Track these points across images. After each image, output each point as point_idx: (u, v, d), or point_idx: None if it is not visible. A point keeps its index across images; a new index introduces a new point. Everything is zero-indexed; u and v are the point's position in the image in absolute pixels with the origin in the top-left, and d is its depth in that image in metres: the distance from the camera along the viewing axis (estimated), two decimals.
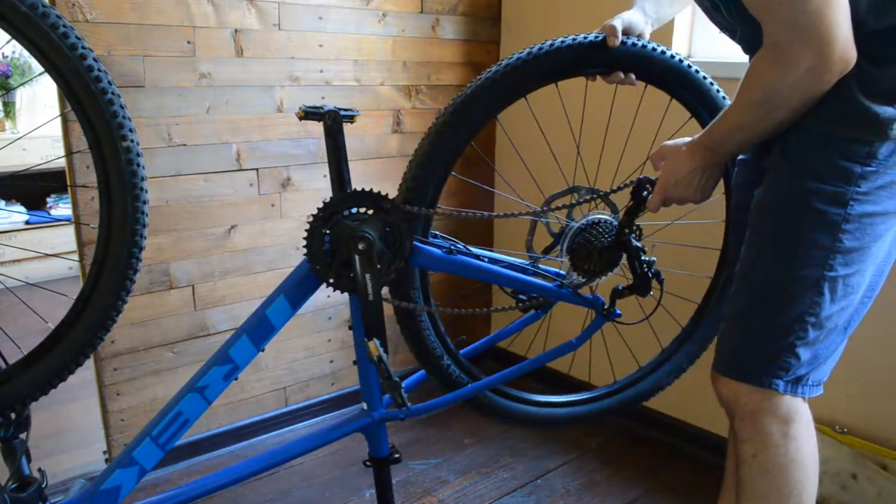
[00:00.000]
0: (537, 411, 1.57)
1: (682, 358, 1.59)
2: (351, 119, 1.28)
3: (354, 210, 1.28)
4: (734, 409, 1.21)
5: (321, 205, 1.27)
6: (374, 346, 1.24)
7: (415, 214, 1.30)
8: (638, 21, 1.33)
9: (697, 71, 1.38)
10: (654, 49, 1.32)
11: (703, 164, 1.22)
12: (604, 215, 1.38)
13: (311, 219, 1.27)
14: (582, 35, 1.29)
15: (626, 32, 1.30)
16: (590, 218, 1.37)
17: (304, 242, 1.28)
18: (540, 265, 1.42)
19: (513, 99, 1.31)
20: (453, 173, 1.34)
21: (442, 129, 1.30)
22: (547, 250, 1.42)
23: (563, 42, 1.28)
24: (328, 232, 1.27)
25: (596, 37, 1.29)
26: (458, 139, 1.31)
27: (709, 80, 1.40)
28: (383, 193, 1.29)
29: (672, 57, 1.35)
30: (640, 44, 1.31)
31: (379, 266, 1.26)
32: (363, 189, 1.28)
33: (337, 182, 1.29)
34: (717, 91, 1.41)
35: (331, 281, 1.29)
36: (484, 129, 1.33)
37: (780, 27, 1.02)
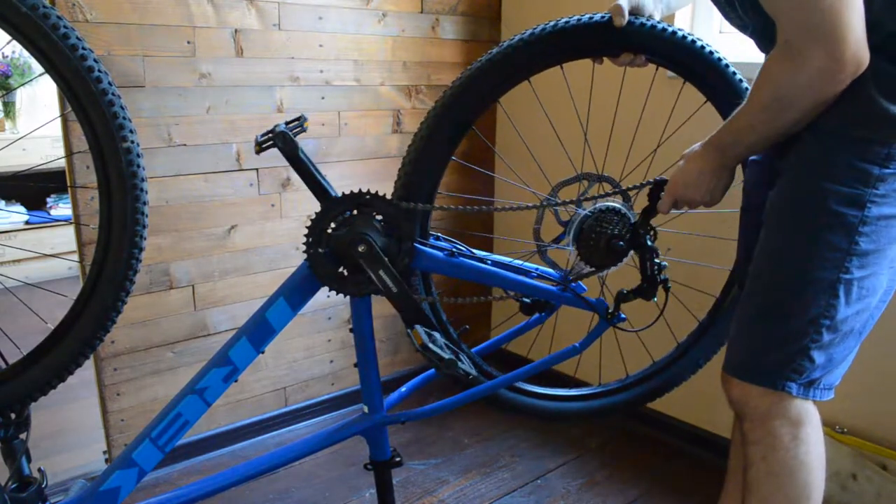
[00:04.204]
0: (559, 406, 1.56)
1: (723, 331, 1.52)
2: (302, 127, 1.25)
3: (345, 215, 1.26)
4: (744, 410, 1.20)
5: (308, 226, 1.25)
6: (417, 333, 1.21)
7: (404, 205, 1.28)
8: (646, 2, 1.29)
9: (712, 52, 1.33)
10: (664, 29, 1.27)
11: (712, 165, 1.21)
12: (614, 203, 1.34)
13: (305, 243, 1.25)
14: (588, 14, 1.25)
15: (635, 13, 1.26)
16: (599, 206, 1.34)
17: (311, 264, 1.26)
18: (543, 268, 1.41)
19: (515, 81, 1.28)
20: (453, 158, 1.31)
21: (441, 113, 1.28)
22: (556, 240, 1.39)
23: (567, 21, 1.24)
24: (327, 251, 1.25)
25: (602, 16, 1.25)
26: (457, 124, 1.28)
27: (724, 61, 1.34)
28: (358, 191, 1.25)
29: (684, 37, 1.30)
30: (648, 23, 1.26)
31: (388, 257, 1.24)
32: (342, 194, 1.25)
33: (319, 194, 1.26)
34: (734, 73, 1.35)
35: (358, 290, 1.27)
36: (484, 114, 1.29)
37: (792, 26, 1.01)
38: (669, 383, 1.58)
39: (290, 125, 1.26)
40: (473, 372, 1.25)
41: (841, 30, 0.98)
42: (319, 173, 1.26)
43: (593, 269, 1.35)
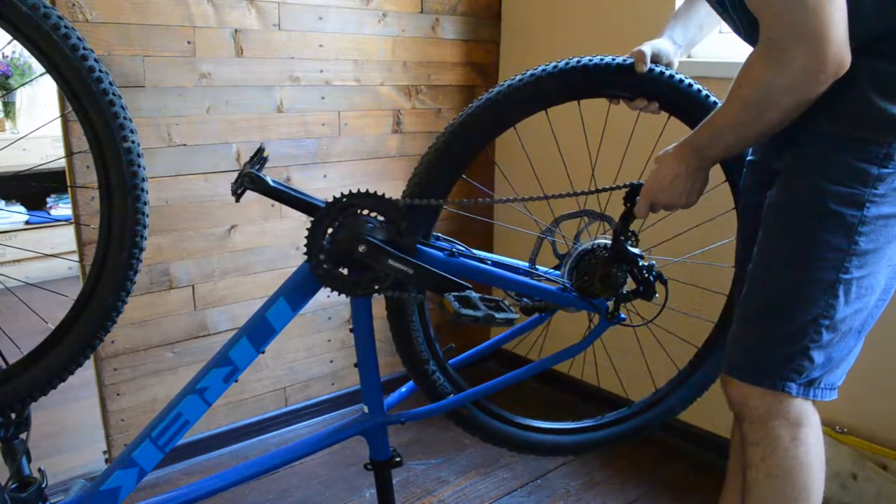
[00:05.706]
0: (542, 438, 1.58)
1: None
2: (263, 157, 1.27)
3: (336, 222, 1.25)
4: (744, 411, 1.20)
5: (305, 244, 1.25)
6: (447, 302, 1.21)
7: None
8: (667, 50, 1.33)
9: None
10: (681, 81, 1.32)
11: (688, 168, 1.21)
12: (607, 241, 1.37)
13: (309, 263, 1.25)
14: (611, 56, 1.29)
15: (655, 60, 1.30)
16: (597, 243, 1.36)
17: (327, 288, 1.26)
18: (543, 268, 1.41)
19: (535, 109, 1.31)
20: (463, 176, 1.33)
21: (458, 131, 1.30)
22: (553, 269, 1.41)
23: (590, 60, 1.28)
24: (335, 265, 1.26)
25: (624, 60, 1.29)
26: (474, 142, 1.30)
27: None
28: (340, 194, 1.25)
29: (699, 91, 1.34)
30: (667, 73, 1.31)
31: (390, 242, 1.25)
32: (327, 203, 1.25)
33: (304, 209, 1.27)
34: None
35: (376, 288, 1.27)
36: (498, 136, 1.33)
37: (776, 23, 1.00)
38: (643, 428, 1.63)
39: (253, 161, 1.27)
40: (515, 315, 1.25)
41: (825, 29, 0.97)
42: (296, 191, 1.27)
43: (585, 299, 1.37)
